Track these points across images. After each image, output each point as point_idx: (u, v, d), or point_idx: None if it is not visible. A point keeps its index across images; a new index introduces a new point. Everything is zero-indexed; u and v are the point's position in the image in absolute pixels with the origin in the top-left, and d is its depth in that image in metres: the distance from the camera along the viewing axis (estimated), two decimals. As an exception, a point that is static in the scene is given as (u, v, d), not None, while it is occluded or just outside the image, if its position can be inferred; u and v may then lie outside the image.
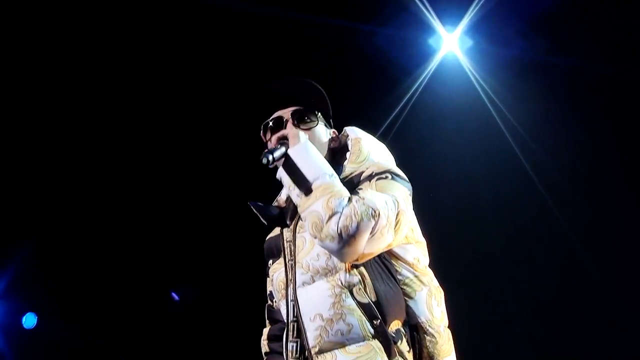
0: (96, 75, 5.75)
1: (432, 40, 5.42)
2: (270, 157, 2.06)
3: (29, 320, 6.67)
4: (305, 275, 2.12)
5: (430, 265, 2.24)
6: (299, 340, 2.12)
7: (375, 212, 1.87)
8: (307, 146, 2.09)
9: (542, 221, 5.21)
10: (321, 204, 1.92)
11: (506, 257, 5.22)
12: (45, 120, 5.92)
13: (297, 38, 5.48)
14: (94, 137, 6.08)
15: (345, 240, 1.87)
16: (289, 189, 2.05)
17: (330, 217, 1.88)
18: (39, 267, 6.34)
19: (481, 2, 5.09)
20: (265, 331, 2.48)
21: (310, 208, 1.94)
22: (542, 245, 5.19)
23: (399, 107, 5.52)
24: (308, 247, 2.13)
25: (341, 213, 1.88)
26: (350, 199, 1.93)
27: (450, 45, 5.43)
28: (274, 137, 2.23)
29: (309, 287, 2.10)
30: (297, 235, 2.19)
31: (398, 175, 2.14)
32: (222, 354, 5.96)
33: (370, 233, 1.87)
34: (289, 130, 2.22)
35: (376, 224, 1.87)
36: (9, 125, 5.80)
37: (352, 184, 2.10)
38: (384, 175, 2.10)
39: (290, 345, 2.15)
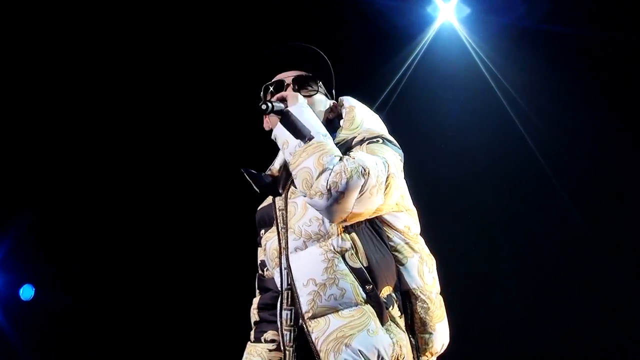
0: (95, 61, 5.79)
1: (429, 10, 5.38)
2: (270, 105, 2.08)
3: (26, 292, 6.62)
4: (297, 241, 2.13)
5: (422, 234, 2.27)
6: (293, 308, 2.15)
7: (365, 170, 1.89)
8: (303, 106, 2.12)
9: (540, 189, 5.22)
10: (312, 160, 1.94)
11: (502, 226, 5.24)
12: (47, 99, 5.94)
13: (291, 8, 5.45)
14: (92, 114, 6.10)
15: (335, 196, 1.88)
16: (282, 147, 2.07)
17: (320, 173, 1.90)
18: (36, 237, 6.32)
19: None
20: (255, 300, 2.51)
21: (302, 164, 1.96)
22: (539, 213, 5.21)
23: (395, 79, 5.49)
24: (300, 212, 2.15)
25: (331, 170, 1.90)
26: (341, 158, 1.95)
27: (447, 14, 5.38)
28: (274, 98, 2.23)
29: (302, 253, 2.12)
30: (289, 201, 2.21)
31: (390, 141, 2.16)
32: (220, 325, 6.00)
33: (360, 191, 1.89)
34: (289, 92, 2.24)
35: (365, 182, 1.89)
36: (7, 105, 5.83)
37: (345, 149, 2.12)
38: (375, 140, 2.12)
39: (284, 313, 2.17)
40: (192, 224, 6.31)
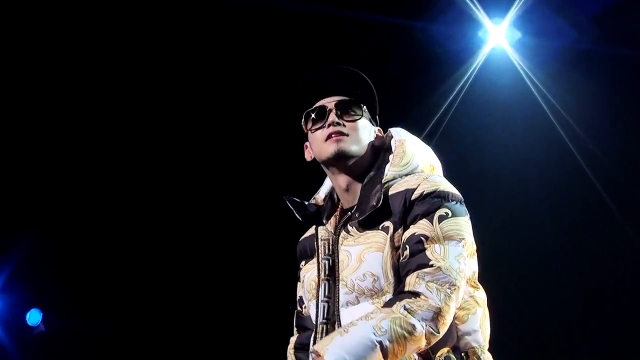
0: (114, 70, 5.76)
1: (479, 34, 5.24)
2: None
3: (34, 317, 6.59)
4: (349, 295, 1.98)
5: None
6: None
7: (452, 287, 1.77)
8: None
9: (600, 221, 4.97)
10: (404, 339, 1.72)
11: (562, 263, 4.99)
12: (52, 114, 5.92)
13: (341, 34, 5.40)
14: (100, 131, 6.07)
15: (442, 325, 1.77)
16: None
17: (419, 334, 1.74)
18: (44, 260, 6.31)
19: (528, -8, 4.91)
20: (293, 339, 2.35)
21: (405, 352, 1.76)
22: (601, 247, 4.94)
23: (445, 105, 5.34)
24: (354, 264, 1.98)
25: (422, 329, 1.73)
26: (411, 308, 1.75)
27: (498, 38, 5.23)
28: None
29: (353, 308, 1.96)
30: (341, 248, 2.05)
31: (454, 200, 1.97)
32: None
33: (455, 303, 1.79)
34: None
35: (457, 295, 1.79)
36: (11, 118, 5.82)
37: (397, 200, 1.96)
38: (443, 212, 1.91)
39: None
40: (220, 252, 6.26)
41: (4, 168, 6.00)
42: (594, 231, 4.99)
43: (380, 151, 2.20)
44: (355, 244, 1.98)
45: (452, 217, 1.91)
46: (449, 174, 2.13)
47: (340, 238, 2.08)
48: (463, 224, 1.92)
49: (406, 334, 1.71)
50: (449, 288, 1.74)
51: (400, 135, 2.20)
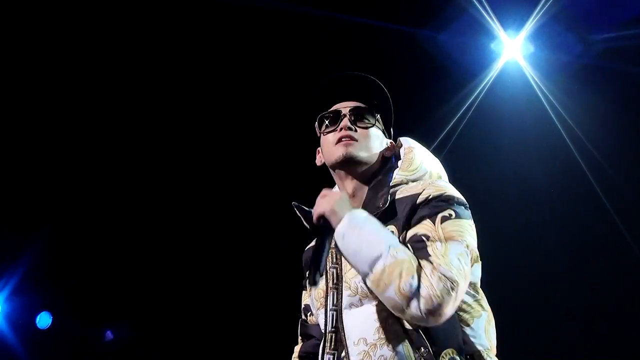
0: (125, 72, 5.77)
1: (493, 46, 5.22)
2: (316, 227, 1.93)
3: (44, 320, 6.59)
4: (353, 298, 1.99)
5: (482, 285, 2.07)
6: (336, 352, 2.00)
7: (453, 284, 1.73)
8: (352, 224, 1.87)
9: (609, 238, 4.93)
10: (393, 290, 1.74)
11: (569, 281, 4.96)
12: (65, 115, 5.94)
13: (354, 43, 5.40)
14: (114, 139, 6.10)
15: (433, 317, 1.72)
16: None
17: (408, 304, 1.72)
18: (53, 263, 6.32)
19: (545, 7, 4.87)
20: (297, 348, 2.37)
21: (384, 295, 1.77)
22: (610, 267, 4.89)
23: (457, 116, 5.32)
24: None
25: (418, 297, 1.71)
26: (420, 273, 1.75)
27: (512, 51, 5.21)
28: (315, 216, 1.98)
29: (356, 310, 1.98)
30: None
31: (458, 204, 1.97)
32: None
33: (454, 300, 1.74)
34: (325, 205, 1.95)
35: (457, 293, 1.73)
36: (22, 119, 5.84)
37: (403, 204, 1.96)
38: (447, 213, 1.91)
39: (327, 357, 2.02)
40: (225, 258, 6.26)
41: (16, 173, 6.03)
42: (602, 249, 4.96)
43: (389, 162, 2.20)
44: None
45: (455, 218, 1.90)
46: (458, 185, 2.11)
47: None
48: (466, 227, 1.91)
49: (398, 281, 1.72)
50: (449, 282, 1.73)
51: (408, 143, 2.21)
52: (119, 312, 6.49)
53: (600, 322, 4.83)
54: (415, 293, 1.72)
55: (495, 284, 2.27)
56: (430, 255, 1.80)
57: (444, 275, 1.73)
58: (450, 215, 1.91)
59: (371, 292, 1.90)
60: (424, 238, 1.85)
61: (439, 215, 1.91)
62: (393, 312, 1.80)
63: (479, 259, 2.03)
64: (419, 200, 1.95)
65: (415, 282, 1.73)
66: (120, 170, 6.24)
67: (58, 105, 5.88)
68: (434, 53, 5.18)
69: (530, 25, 5.00)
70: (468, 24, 5.03)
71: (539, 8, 4.88)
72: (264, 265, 6.01)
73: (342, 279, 2.05)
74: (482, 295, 2.00)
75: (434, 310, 1.70)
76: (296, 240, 2.47)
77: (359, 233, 1.83)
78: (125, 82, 5.78)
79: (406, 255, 1.78)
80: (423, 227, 1.89)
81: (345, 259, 1.88)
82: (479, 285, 2.01)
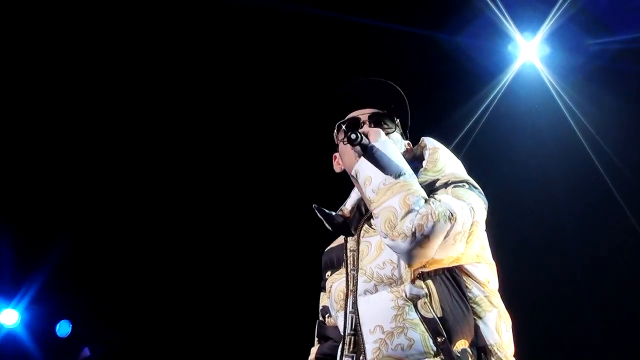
0: (139, 75, 5.79)
1: (510, 49, 5.21)
2: (359, 136, 1.95)
3: (63, 328, 6.61)
4: (368, 284, 2.01)
5: (501, 289, 2.09)
6: (354, 355, 2.00)
7: (452, 215, 1.79)
8: (387, 143, 2.00)
9: (627, 240, 4.91)
10: (398, 199, 1.82)
11: (587, 281, 4.94)
12: (83, 125, 5.97)
13: (371, 46, 5.41)
14: (125, 140, 6.12)
15: (418, 240, 1.77)
16: (363, 185, 1.95)
17: (406, 214, 1.79)
18: (73, 272, 6.35)
19: (561, 10, 4.87)
20: (314, 350, 2.38)
21: (386, 203, 1.84)
22: (629, 267, 4.87)
23: (474, 118, 5.33)
24: (373, 253, 2.03)
25: (418, 212, 1.78)
26: (427, 200, 1.84)
27: (529, 53, 5.20)
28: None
29: (371, 297, 2.00)
30: (362, 240, 2.10)
31: (476, 187, 2.03)
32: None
33: (444, 237, 1.78)
34: (369, 128, 2.12)
35: (451, 227, 1.79)
36: (42, 129, 5.88)
37: (428, 192, 1.98)
38: (460, 184, 1.99)
39: (345, 359, 2.02)
40: (243, 262, 6.26)
41: (34, 185, 6.08)
42: (616, 242, 4.96)
43: (410, 161, 2.19)
44: (376, 234, 2.02)
45: (467, 188, 1.98)
46: (475, 186, 2.13)
47: (362, 232, 2.11)
48: (475, 198, 1.96)
49: (407, 193, 1.84)
50: (449, 212, 1.79)
51: (433, 144, 2.23)
52: (138, 320, 6.52)
53: (621, 324, 4.81)
54: (416, 207, 1.79)
55: (512, 284, 2.28)
56: (437, 195, 1.91)
57: (446, 207, 1.80)
58: (463, 185, 1.99)
59: (387, 277, 1.95)
60: (434, 196, 1.92)
61: (452, 185, 1.99)
62: (382, 227, 1.84)
63: (489, 260, 2.07)
64: (438, 184, 2.02)
65: (421, 202, 1.81)
66: (141, 183, 6.29)
67: (78, 116, 5.92)
68: (451, 56, 5.18)
69: (546, 27, 5.00)
70: (484, 27, 5.03)
71: (555, 10, 4.88)
72: (281, 267, 6.02)
73: (358, 266, 2.06)
74: (493, 294, 2.02)
75: (424, 231, 1.76)
76: (314, 242, 2.47)
77: (393, 151, 1.97)
78: (144, 91, 5.84)
79: (421, 187, 1.91)
80: (435, 193, 1.96)
81: (372, 162, 1.95)
82: (490, 286, 2.02)
